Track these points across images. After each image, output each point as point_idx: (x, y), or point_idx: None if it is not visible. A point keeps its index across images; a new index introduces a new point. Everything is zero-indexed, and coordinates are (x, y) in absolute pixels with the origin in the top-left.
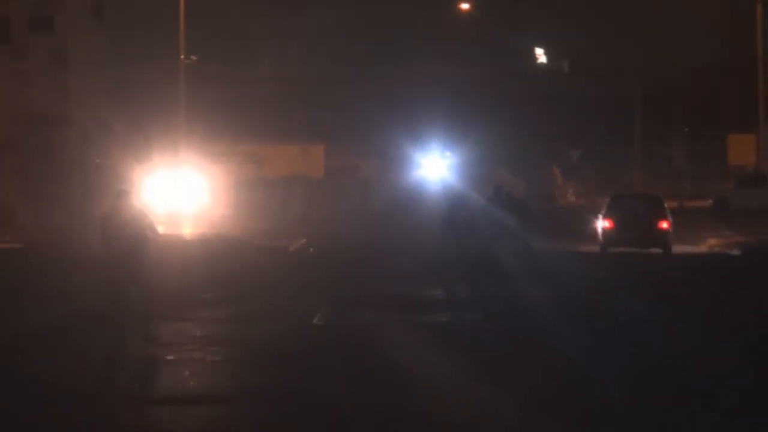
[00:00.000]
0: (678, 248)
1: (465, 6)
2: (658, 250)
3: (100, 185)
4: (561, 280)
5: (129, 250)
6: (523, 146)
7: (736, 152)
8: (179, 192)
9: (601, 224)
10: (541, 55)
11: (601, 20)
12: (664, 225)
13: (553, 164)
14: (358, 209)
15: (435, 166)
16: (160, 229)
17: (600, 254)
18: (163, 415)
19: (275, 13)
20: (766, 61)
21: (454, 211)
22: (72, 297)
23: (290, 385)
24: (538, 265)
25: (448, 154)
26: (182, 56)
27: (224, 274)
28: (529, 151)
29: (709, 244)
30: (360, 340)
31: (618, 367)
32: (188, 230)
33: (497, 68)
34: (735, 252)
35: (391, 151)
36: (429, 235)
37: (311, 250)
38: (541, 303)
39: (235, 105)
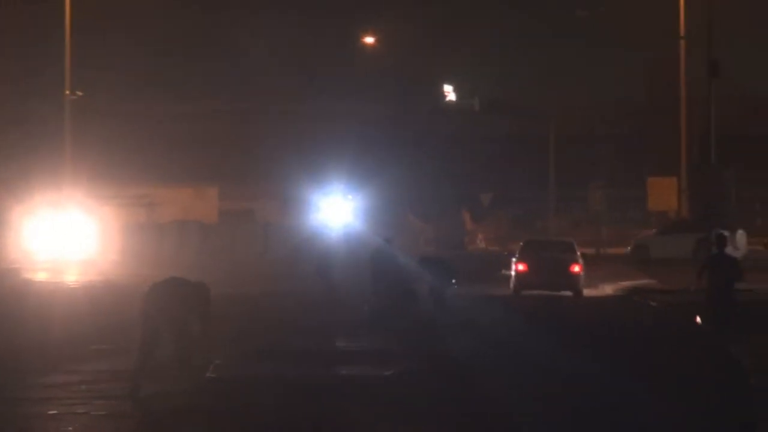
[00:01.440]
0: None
1: (369, 40)
2: (568, 293)
3: None
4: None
5: None
6: (431, 189)
7: (657, 197)
8: (64, 236)
9: (515, 268)
10: (449, 92)
11: (516, 57)
12: (576, 269)
13: (463, 208)
14: (256, 256)
15: (337, 210)
16: (41, 276)
17: (513, 297)
18: None
19: (171, 48)
20: (689, 101)
21: (375, 263)
22: None
23: None
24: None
25: (350, 197)
26: (67, 91)
27: (112, 324)
28: (438, 195)
29: (613, 287)
30: (253, 397)
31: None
32: (74, 277)
33: (404, 106)
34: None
35: (289, 194)
36: (334, 285)
37: None
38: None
39: (126, 144)
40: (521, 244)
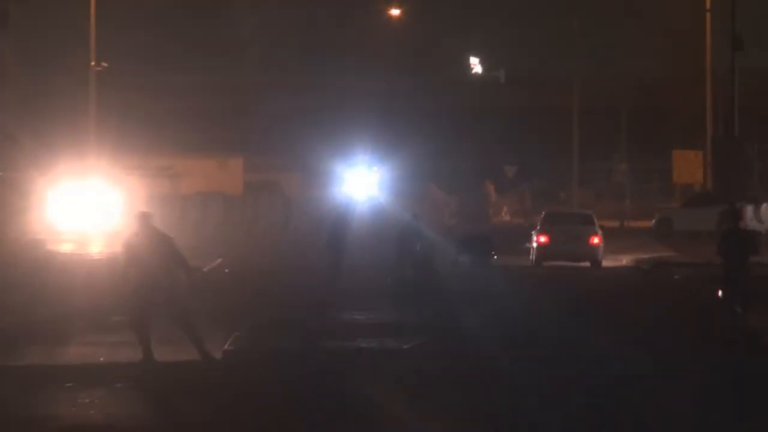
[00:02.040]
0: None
1: (395, 12)
2: (587, 264)
3: (2, 199)
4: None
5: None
6: (456, 161)
7: (682, 170)
8: (89, 207)
9: (536, 239)
10: (476, 64)
11: (542, 30)
12: (596, 240)
13: (488, 180)
14: (278, 228)
15: (362, 182)
16: (65, 248)
17: (535, 267)
18: None
19: (192, 20)
20: (714, 74)
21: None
22: None
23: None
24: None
25: (375, 168)
26: (92, 62)
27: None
28: (462, 167)
29: (632, 259)
30: (271, 369)
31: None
32: (98, 249)
33: (430, 78)
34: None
35: (314, 166)
36: (358, 259)
37: (226, 271)
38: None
39: (150, 115)
40: (541, 216)
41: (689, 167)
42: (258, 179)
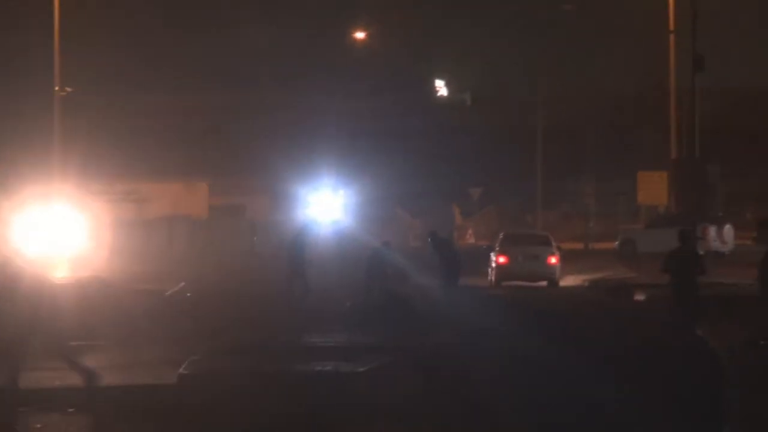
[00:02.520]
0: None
1: (360, 35)
2: (544, 284)
3: None
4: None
5: None
6: (421, 184)
7: (646, 191)
8: (54, 231)
9: (495, 260)
10: (441, 87)
11: (506, 51)
12: (553, 260)
13: (453, 203)
14: (243, 251)
15: (327, 205)
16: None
17: (494, 287)
18: None
19: (160, 41)
20: (678, 94)
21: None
22: None
23: None
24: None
25: (341, 192)
26: (56, 87)
27: (94, 319)
28: (427, 189)
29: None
30: (224, 393)
31: None
32: (61, 273)
33: (395, 101)
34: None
35: (280, 189)
36: (322, 281)
37: (188, 295)
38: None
39: (115, 139)
40: (500, 237)
41: (654, 188)
42: (224, 202)
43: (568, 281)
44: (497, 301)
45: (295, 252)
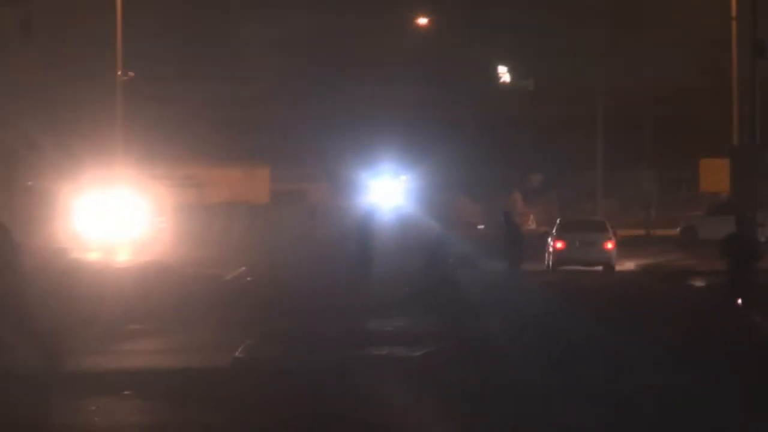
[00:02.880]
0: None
1: (423, 21)
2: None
3: (29, 209)
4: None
5: None
6: (482, 170)
7: (709, 178)
8: (115, 217)
9: (552, 245)
10: (504, 73)
11: (571, 39)
12: (609, 245)
13: (514, 189)
14: (304, 237)
15: (388, 191)
16: (90, 257)
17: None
18: None
19: (220, 28)
20: (740, 82)
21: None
22: None
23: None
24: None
25: (403, 177)
26: (119, 71)
27: (154, 304)
28: (489, 176)
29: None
30: (277, 377)
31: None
32: (123, 258)
33: (457, 88)
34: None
35: (340, 175)
36: (383, 268)
37: (249, 279)
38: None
39: (176, 125)
40: (557, 223)
41: (716, 175)
42: (284, 189)
43: (625, 266)
44: (554, 287)
45: (362, 238)
